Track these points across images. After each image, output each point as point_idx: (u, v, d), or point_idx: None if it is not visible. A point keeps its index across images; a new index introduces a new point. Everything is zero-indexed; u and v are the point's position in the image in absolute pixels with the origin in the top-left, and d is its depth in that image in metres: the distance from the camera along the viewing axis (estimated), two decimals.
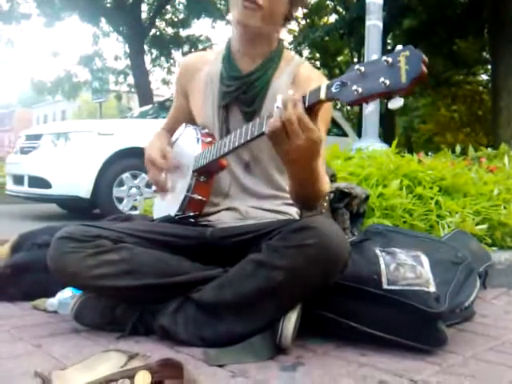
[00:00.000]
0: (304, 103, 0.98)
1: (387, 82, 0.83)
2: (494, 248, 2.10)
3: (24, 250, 1.69)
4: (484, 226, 2.12)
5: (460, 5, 11.30)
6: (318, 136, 1.00)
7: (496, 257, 1.95)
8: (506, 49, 8.86)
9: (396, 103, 0.85)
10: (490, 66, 11.38)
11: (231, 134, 1.18)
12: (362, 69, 0.88)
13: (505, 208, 2.29)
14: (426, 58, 0.81)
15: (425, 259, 1.32)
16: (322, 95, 0.94)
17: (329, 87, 0.93)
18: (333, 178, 2.05)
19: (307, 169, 1.08)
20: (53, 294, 1.43)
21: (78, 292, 1.28)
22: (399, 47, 0.84)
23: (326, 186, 1.20)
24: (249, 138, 1.10)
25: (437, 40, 11.51)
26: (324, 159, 1.25)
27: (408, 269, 1.27)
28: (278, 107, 1.01)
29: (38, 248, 1.65)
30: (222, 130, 1.34)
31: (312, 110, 0.98)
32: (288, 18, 1.30)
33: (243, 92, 1.30)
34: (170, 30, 13.20)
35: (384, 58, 0.85)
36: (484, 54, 13.27)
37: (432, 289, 1.22)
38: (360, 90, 0.87)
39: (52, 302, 1.41)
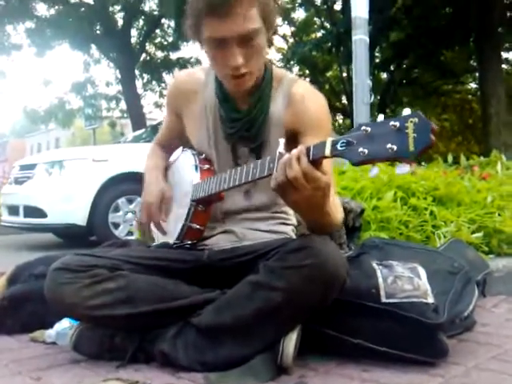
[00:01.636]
0: (308, 157, 0.98)
1: (394, 147, 0.83)
2: (491, 256, 2.11)
3: (21, 282, 1.68)
4: (480, 234, 2.13)
5: (444, 16, 11.49)
6: (325, 182, 1.00)
7: (493, 264, 1.96)
8: (492, 56, 9.00)
9: (402, 170, 0.85)
10: (477, 74, 11.52)
11: (232, 171, 1.18)
12: (369, 129, 0.88)
13: (499, 215, 2.30)
14: (435, 127, 0.81)
15: (422, 271, 1.33)
16: (327, 152, 0.94)
17: (334, 144, 0.94)
18: (362, 213, 2.04)
19: (318, 212, 1.09)
20: (51, 325, 1.42)
21: (76, 322, 1.27)
22: (407, 111, 0.85)
23: (340, 216, 1.20)
24: (250, 179, 1.12)
25: (424, 51, 11.67)
26: (334, 185, 1.23)
27: (406, 281, 1.27)
28: (280, 153, 1.02)
29: (34, 279, 1.64)
30: (219, 161, 1.33)
31: (316, 162, 0.98)
32: (269, 42, 1.24)
33: (245, 130, 1.28)
34: (160, 54, 13.34)
35: (392, 122, 0.85)
36: (471, 62, 13.44)
37: (430, 300, 1.22)
38: (366, 151, 0.87)
39: (50, 333, 1.40)
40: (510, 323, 1.55)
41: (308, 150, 0.98)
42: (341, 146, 0.92)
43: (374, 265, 1.34)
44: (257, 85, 1.26)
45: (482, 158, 3.72)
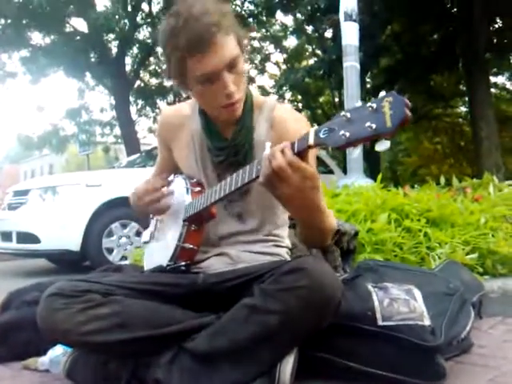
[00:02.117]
0: (293, 150, 1.00)
1: (373, 126, 0.86)
2: (486, 277, 2.11)
3: (13, 309, 1.66)
4: (474, 256, 2.14)
5: (433, 42, 11.75)
6: (311, 172, 1.02)
7: (488, 285, 1.96)
8: (480, 81, 9.18)
9: (383, 146, 0.88)
10: (467, 98, 11.72)
11: (221, 183, 1.19)
12: (348, 115, 0.91)
13: (493, 236, 2.31)
14: (408, 102, 0.85)
15: (417, 292, 1.33)
16: (311, 141, 0.97)
17: (317, 133, 0.96)
18: (356, 235, 2.05)
19: (310, 206, 1.09)
20: (44, 353, 1.40)
21: (70, 349, 1.26)
22: (382, 93, 0.88)
23: (333, 221, 1.21)
24: (240, 184, 1.12)
25: (413, 76, 11.88)
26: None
27: (401, 303, 1.27)
28: (266, 154, 1.03)
29: (27, 306, 1.63)
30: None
31: (301, 155, 1.01)
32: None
33: (233, 156, 1.30)
34: (154, 81, 13.49)
35: (368, 104, 0.89)
36: (460, 86, 13.70)
37: (427, 322, 1.22)
38: (347, 134, 0.90)
39: (43, 361, 1.38)
40: (507, 345, 1.54)
41: (292, 144, 1.01)
42: (323, 134, 0.94)
43: (370, 287, 1.34)
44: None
45: (474, 180, 3.75)
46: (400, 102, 0.85)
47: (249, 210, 1.33)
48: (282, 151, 1.01)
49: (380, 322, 1.22)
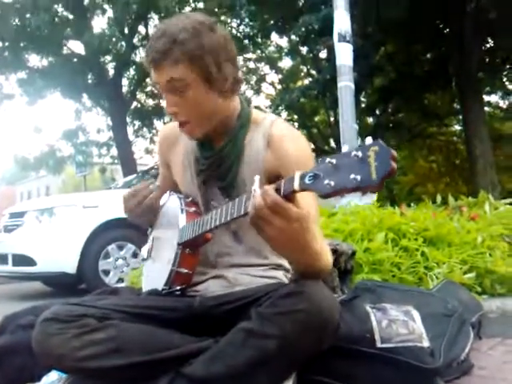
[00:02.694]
0: (279, 192, 0.97)
1: (358, 177, 0.83)
2: (484, 296, 2.10)
3: (8, 333, 1.64)
4: (472, 275, 2.13)
5: (426, 62, 11.92)
6: (298, 214, 0.98)
7: (487, 305, 1.95)
8: (474, 100, 9.30)
9: (368, 199, 0.87)
10: (461, 117, 11.85)
11: (213, 211, 1.18)
12: (334, 161, 0.88)
13: (490, 255, 2.31)
14: (395, 154, 0.82)
15: (416, 313, 1.32)
16: (296, 186, 0.94)
17: (302, 178, 0.94)
18: (354, 255, 2.05)
19: (297, 248, 1.05)
20: (38, 378, 1.37)
21: (65, 375, 1.24)
22: (369, 141, 0.87)
23: (327, 260, 1.15)
24: (229, 219, 1.11)
25: (407, 95, 12.02)
26: (319, 225, 1.22)
27: (400, 325, 1.26)
28: (254, 190, 1.01)
29: (22, 330, 1.60)
30: (203, 203, 1.36)
31: (288, 198, 0.98)
32: (225, 92, 1.25)
33: (216, 167, 1.31)
34: (150, 102, 13.59)
35: (354, 152, 0.86)
36: (454, 105, 13.85)
37: (426, 344, 1.21)
38: (332, 183, 0.87)
39: None
40: (507, 366, 1.52)
41: (279, 184, 0.98)
42: (308, 180, 0.92)
43: (368, 308, 1.33)
44: (230, 125, 1.31)
45: (470, 199, 3.76)
46: (386, 153, 0.82)
47: (244, 227, 1.31)
48: (265, 192, 0.98)
49: (379, 344, 1.22)
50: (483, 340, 1.74)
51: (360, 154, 0.84)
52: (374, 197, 0.90)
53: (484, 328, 1.76)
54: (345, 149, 3.85)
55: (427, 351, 1.20)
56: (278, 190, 0.98)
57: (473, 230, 2.55)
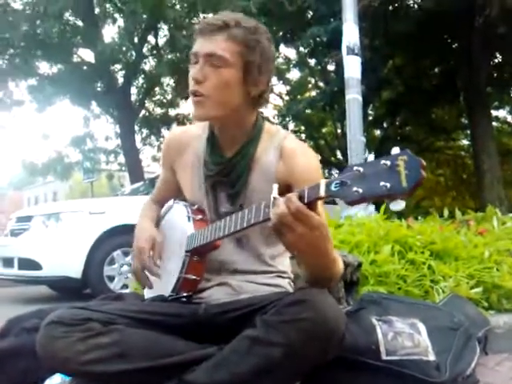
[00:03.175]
0: (303, 199, 1.00)
1: (388, 185, 0.85)
2: (491, 311, 2.08)
3: (12, 336, 1.64)
4: (479, 290, 2.12)
5: (434, 76, 11.94)
6: (319, 222, 1.01)
7: (494, 321, 1.93)
8: (481, 114, 9.29)
9: (397, 206, 0.87)
10: (469, 132, 11.83)
11: (227, 218, 1.19)
12: (361, 169, 0.90)
13: (497, 270, 2.29)
14: (424, 163, 0.84)
15: (422, 327, 1.31)
16: (322, 193, 0.96)
17: (328, 185, 0.95)
18: (360, 267, 2.04)
19: (316, 254, 1.08)
20: (41, 381, 1.37)
21: (68, 378, 1.24)
22: (396, 150, 0.88)
23: (340, 267, 1.18)
24: (245, 225, 1.12)
25: (415, 109, 12.03)
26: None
27: (406, 337, 1.26)
28: (274, 198, 1.03)
29: (26, 333, 1.60)
30: (210, 210, 1.35)
31: (310, 205, 1.00)
32: (252, 98, 1.28)
33: (225, 175, 1.32)
34: (158, 110, 13.67)
35: (382, 161, 0.87)
36: (462, 119, 13.84)
37: (431, 357, 1.21)
38: (360, 190, 0.89)
39: None
40: None
41: (302, 192, 1.01)
42: (335, 187, 0.93)
43: (374, 320, 1.33)
44: (244, 134, 1.32)
45: (477, 213, 3.75)
46: (416, 162, 0.84)
47: (247, 233, 1.32)
48: (289, 199, 1.00)
49: (384, 357, 1.21)
50: (490, 355, 1.72)
51: (389, 162, 0.86)
52: (403, 204, 0.91)
53: (491, 343, 1.74)
54: (353, 161, 3.85)
55: (433, 365, 1.19)
56: (301, 198, 1.00)
57: (480, 244, 2.53)
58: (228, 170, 1.32)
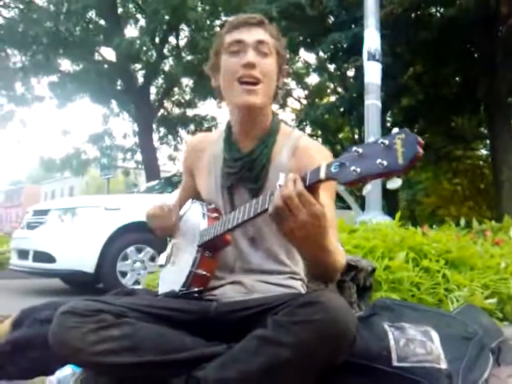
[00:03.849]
0: (305, 182, 1.00)
1: (384, 162, 0.85)
2: (506, 323, 2.05)
3: (25, 326, 1.66)
4: (494, 300, 2.09)
5: (455, 84, 11.81)
6: (321, 210, 1.00)
7: (508, 332, 1.90)
8: (502, 125, 9.16)
9: (394, 184, 0.87)
10: (488, 142, 11.68)
11: (236, 211, 1.19)
12: (360, 150, 0.91)
13: None
14: (421, 140, 0.84)
15: (435, 334, 1.29)
16: (322, 175, 0.97)
17: (328, 167, 0.96)
18: (373, 272, 2.03)
19: (316, 246, 1.07)
20: (52, 372, 1.39)
21: (79, 369, 1.25)
22: (395, 130, 0.88)
23: (341, 259, 1.17)
24: (252, 215, 1.12)
25: (434, 117, 11.91)
26: (336, 229, 1.24)
27: (418, 344, 1.24)
28: (279, 185, 1.03)
29: (39, 324, 1.62)
30: (226, 208, 1.36)
31: (313, 188, 1.00)
32: (277, 91, 1.35)
33: (247, 170, 1.33)
34: (177, 111, 13.77)
35: (380, 140, 0.88)
36: (482, 129, 13.66)
37: (443, 366, 1.19)
38: (358, 170, 0.89)
39: (51, 381, 1.36)
40: None
41: (305, 175, 1.01)
42: (334, 169, 0.94)
43: (386, 326, 1.31)
44: (263, 129, 1.34)
45: (494, 223, 3.70)
46: (412, 139, 0.84)
47: (261, 232, 1.33)
48: (294, 181, 1.00)
49: (395, 363, 1.19)
50: (502, 367, 1.69)
51: (387, 141, 0.87)
52: (400, 182, 0.90)
53: (504, 355, 1.70)
54: None
55: (444, 373, 1.17)
56: (303, 181, 1.01)
57: (496, 254, 2.50)
58: (249, 165, 1.32)
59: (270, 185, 1.30)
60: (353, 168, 0.90)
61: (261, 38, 1.27)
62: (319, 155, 1.29)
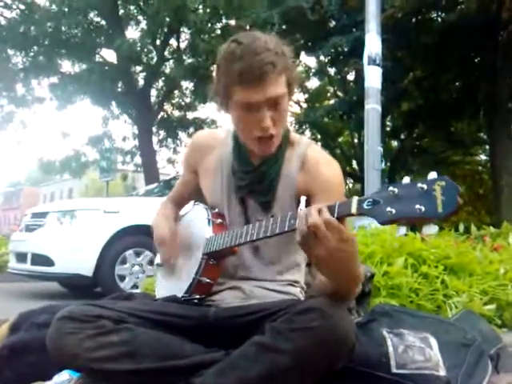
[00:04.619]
0: (333, 213, 0.99)
1: (423, 208, 0.85)
2: (504, 329, 2.05)
3: (23, 330, 1.65)
4: (492, 307, 2.08)
5: (455, 89, 11.84)
6: (349, 235, 1.00)
7: (507, 339, 1.89)
8: (502, 131, 9.17)
9: (431, 229, 0.87)
10: (487, 147, 11.69)
11: (249, 226, 1.19)
12: (396, 190, 0.90)
13: None
14: (460, 189, 0.84)
15: (433, 341, 1.29)
16: (353, 210, 0.96)
17: (360, 203, 0.95)
18: (372, 278, 2.03)
19: (344, 271, 1.06)
20: (49, 377, 1.38)
21: (76, 375, 1.24)
22: (433, 175, 0.88)
23: (358, 288, 1.18)
24: (269, 235, 1.12)
25: (434, 122, 11.93)
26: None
27: (417, 351, 1.24)
28: (301, 209, 1.03)
29: (37, 328, 1.61)
30: (240, 220, 1.34)
31: (340, 221, 0.99)
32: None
33: (257, 183, 1.32)
34: (177, 113, 13.77)
35: (419, 184, 0.87)
36: (481, 134, 13.68)
37: (442, 373, 1.19)
38: (394, 211, 0.89)
39: None
40: None
41: (333, 206, 1.00)
42: (367, 205, 0.93)
43: (385, 333, 1.31)
44: None
45: (493, 229, 3.70)
46: (453, 188, 0.84)
47: (266, 243, 1.31)
48: (319, 210, 0.99)
49: (394, 370, 1.19)
50: (501, 374, 1.69)
51: (425, 186, 0.86)
52: (436, 228, 0.92)
53: (503, 362, 1.70)
54: (369, 171, 3.82)
55: (443, 380, 1.17)
56: (331, 211, 0.99)
57: (495, 260, 2.50)
58: (259, 178, 1.31)
59: (279, 197, 1.30)
60: (388, 209, 0.89)
61: (275, 95, 1.19)
62: (329, 170, 1.29)
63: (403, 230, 0.93)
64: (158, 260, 1.55)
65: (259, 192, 1.32)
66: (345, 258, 1.02)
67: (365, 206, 0.94)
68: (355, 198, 0.97)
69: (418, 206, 0.85)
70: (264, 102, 1.18)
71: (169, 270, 1.43)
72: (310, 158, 1.32)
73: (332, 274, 1.08)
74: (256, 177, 1.31)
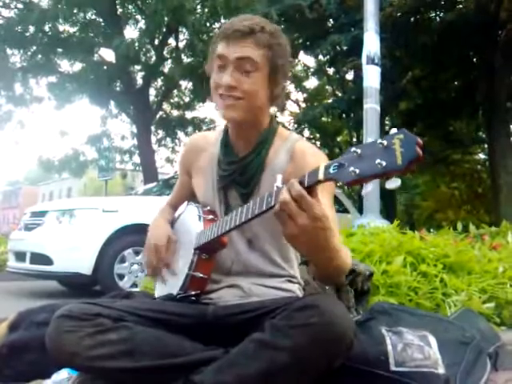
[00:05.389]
0: (303, 184, 0.99)
1: (383, 163, 0.85)
2: (503, 328, 2.05)
3: (22, 329, 1.65)
4: (491, 305, 2.09)
5: (454, 89, 11.84)
6: (322, 212, 0.99)
7: (506, 337, 1.90)
8: (500, 130, 9.19)
9: (393, 184, 0.87)
10: (486, 146, 11.70)
11: (233, 213, 1.19)
12: (359, 151, 0.90)
13: (511, 286, 2.26)
14: (420, 141, 0.84)
15: (432, 339, 1.29)
16: (321, 176, 0.96)
17: (327, 168, 0.95)
18: (371, 276, 2.03)
19: (322, 249, 1.04)
20: (48, 376, 1.38)
21: (75, 373, 1.24)
22: (393, 130, 0.88)
23: (347, 259, 1.15)
24: (250, 217, 1.12)
25: (432, 121, 11.94)
26: (338, 231, 1.20)
27: (415, 349, 1.24)
28: (277, 187, 1.03)
29: (36, 327, 1.61)
30: (221, 210, 1.36)
31: (311, 190, 1.00)
32: (273, 97, 1.32)
33: (239, 174, 1.33)
34: (175, 113, 13.76)
35: (379, 140, 0.88)
36: (480, 133, 13.69)
37: (441, 370, 1.19)
38: (357, 171, 0.89)
39: None
40: None
41: (303, 177, 1.00)
42: (333, 169, 0.93)
43: (383, 331, 1.31)
44: (257, 134, 1.34)
45: (492, 228, 3.70)
46: (412, 140, 0.84)
47: (259, 235, 1.32)
48: (291, 185, 0.99)
49: (392, 368, 1.19)
50: (500, 372, 1.69)
51: (385, 142, 0.87)
52: (399, 182, 0.90)
53: (501, 360, 1.70)
54: None
55: (442, 378, 1.17)
56: (301, 183, 1.00)
57: (494, 259, 2.50)
58: (241, 169, 1.33)
59: (263, 189, 1.30)
60: (351, 169, 0.90)
61: (243, 55, 1.23)
62: (315, 159, 1.28)
63: (370, 186, 0.93)
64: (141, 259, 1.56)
65: (239, 183, 1.33)
66: (317, 236, 1.01)
67: (331, 171, 0.94)
68: (322, 165, 0.97)
69: (378, 161, 0.85)
70: (232, 61, 1.23)
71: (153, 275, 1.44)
72: (298, 150, 1.33)
73: (307, 251, 1.08)
74: (239, 168, 1.33)
